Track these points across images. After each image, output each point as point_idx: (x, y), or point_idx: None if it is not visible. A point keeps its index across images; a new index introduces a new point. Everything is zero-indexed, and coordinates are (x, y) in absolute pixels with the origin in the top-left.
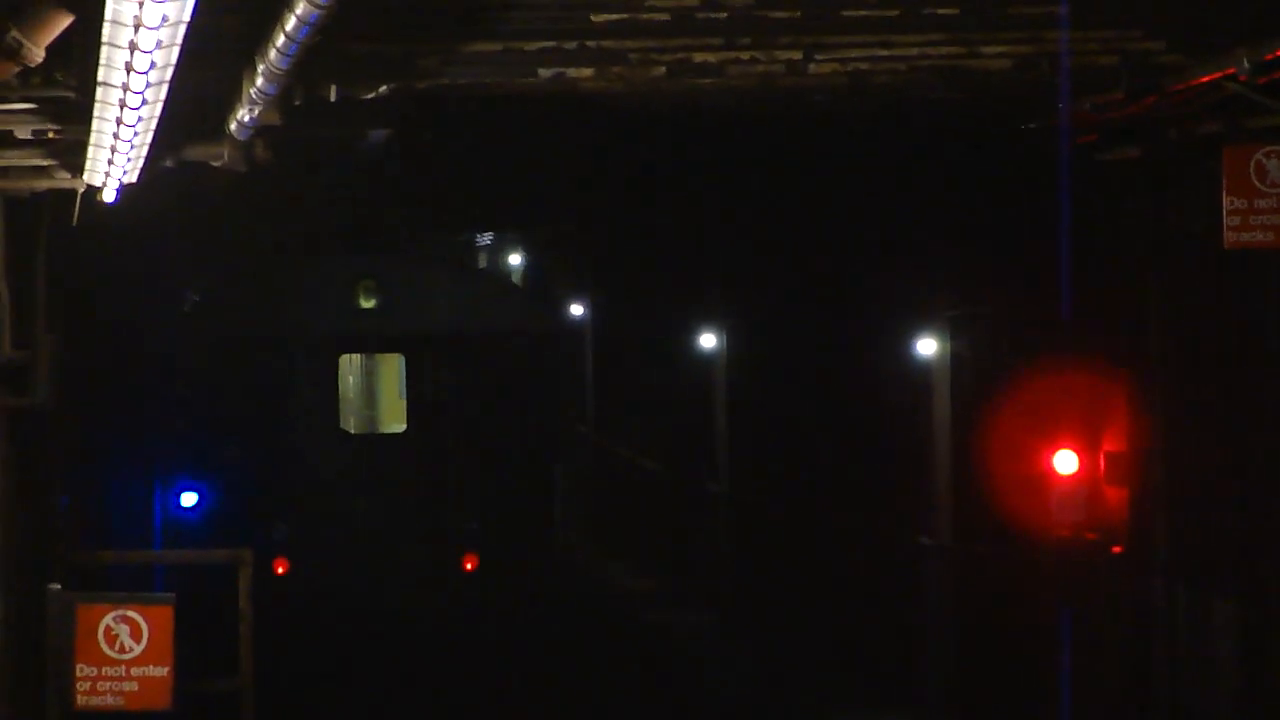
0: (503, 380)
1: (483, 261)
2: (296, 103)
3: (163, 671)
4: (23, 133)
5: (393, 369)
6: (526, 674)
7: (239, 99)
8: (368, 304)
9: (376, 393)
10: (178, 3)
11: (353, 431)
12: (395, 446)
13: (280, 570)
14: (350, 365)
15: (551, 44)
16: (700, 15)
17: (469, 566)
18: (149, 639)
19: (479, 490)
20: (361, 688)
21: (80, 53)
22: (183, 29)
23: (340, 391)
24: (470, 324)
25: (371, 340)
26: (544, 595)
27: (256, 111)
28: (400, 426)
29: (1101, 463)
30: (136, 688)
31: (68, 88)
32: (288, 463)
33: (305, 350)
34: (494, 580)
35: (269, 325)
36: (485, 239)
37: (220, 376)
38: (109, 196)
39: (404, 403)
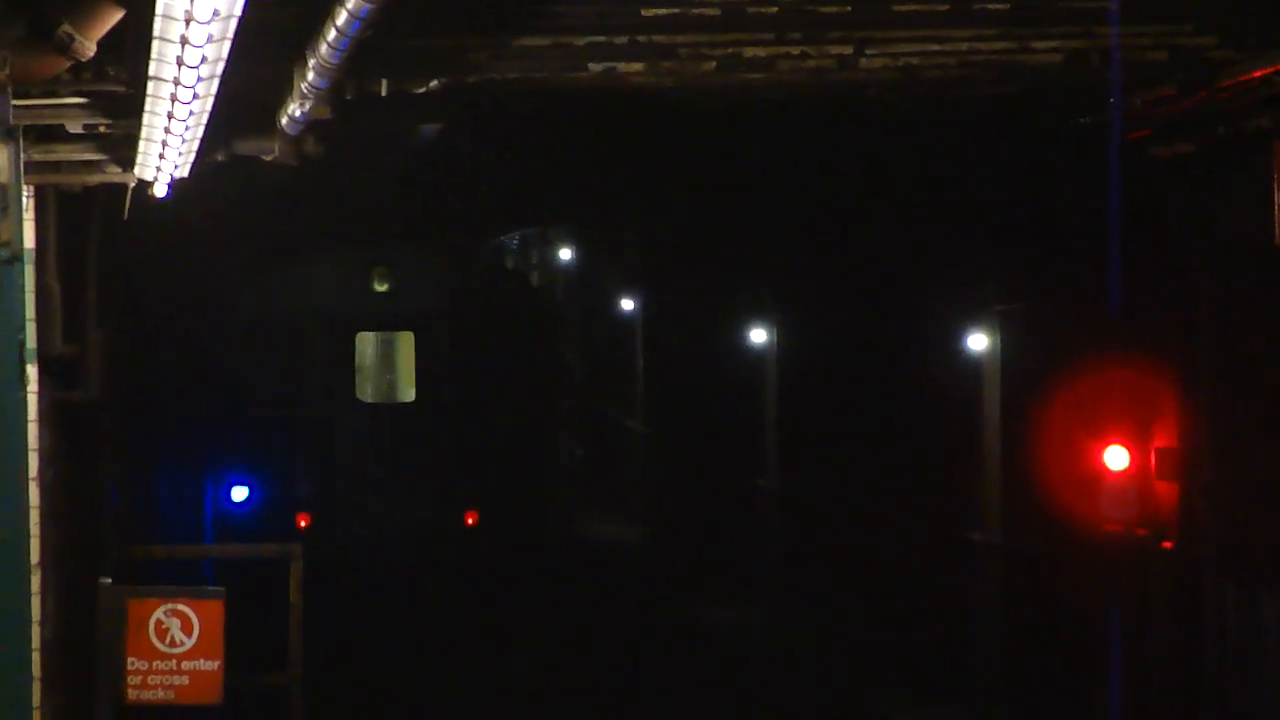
0: (501, 355)
1: (534, 257)
2: (348, 97)
3: (213, 665)
4: (74, 127)
5: (405, 345)
6: (523, 618)
7: (290, 93)
8: (381, 287)
9: (390, 366)
10: None
11: (368, 401)
12: (405, 414)
13: (303, 524)
14: (367, 342)
15: (602, 38)
16: (751, 10)
17: (470, 522)
18: (200, 633)
19: (479, 454)
20: (375, 631)
21: (132, 47)
22: (234, 23)
23: (357, 365)
24: (472, 304)
25: (385, 319)
26: (539, 548)
27: (308, 106)
28: (410, 397)
29: (1152, 458)
30: (187, 682)
31: (119, 82)
32: (311, 428)
33: (327, 328)
34: (493, 535)
35: (296, 306)
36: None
37: (255, 351)
38: (160, 191)
39: (413, 375)
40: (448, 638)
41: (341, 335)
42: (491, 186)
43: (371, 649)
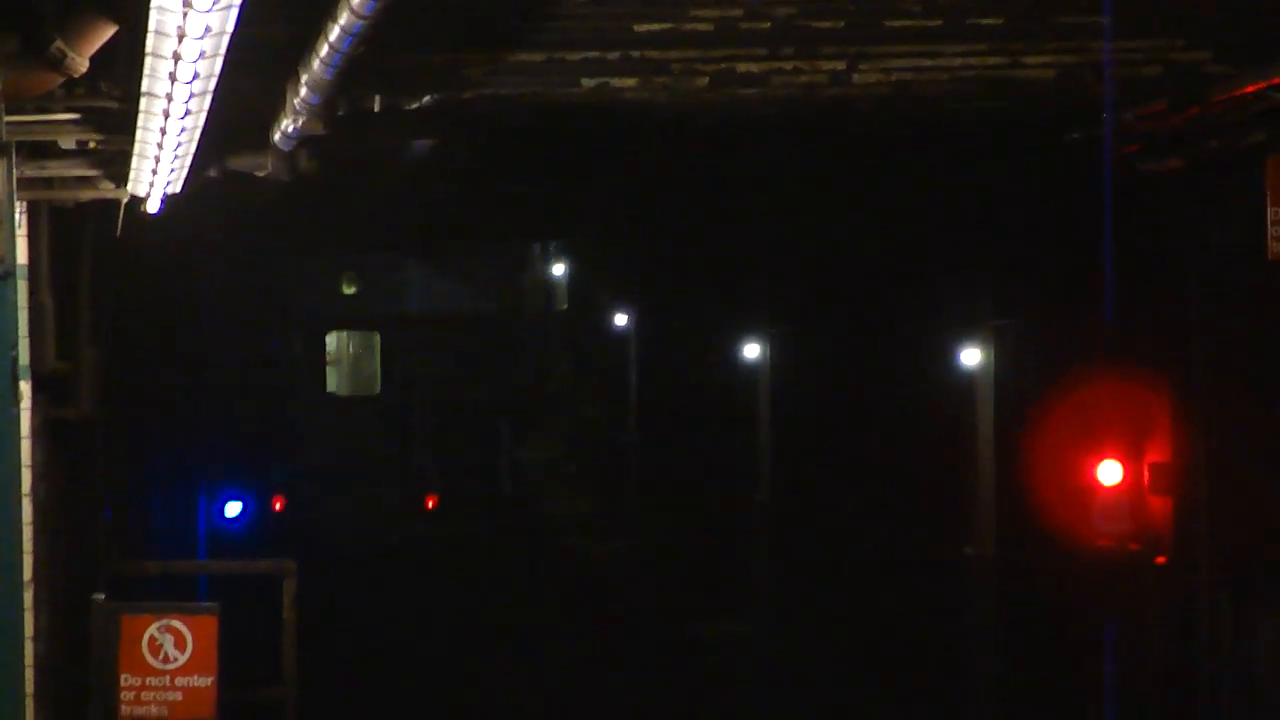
0: (460, 353)
1: (524, 270)
2: (340, 113)
3: (207, 681)
4: (67, 143)
5: (371, 344)
6: (478, 591)
7: (283, 109)
8: (349, 290)
9: (359, 363)
10: (221, 13)
11: (338, 394)
12: (371, 407)
13: (278, 506)
14: (339, 341)
15: (595, 54)
16: (743, 25)
17: (430, 504)
18: (193, 649)
19: (439, 443)
20: (342, 601)
21: (124, 63)
22: (226, 39)
23: (328, 361)
24: (434, 307)
25: (352, 320)
26: (492, 528)
27: (300, 121)
28: (375, 390)
29: (1145, 473)
30: (180, 698)
31: (111, 98)
32: (285, 418)
33: (300, 328)
34: (450, 516)
35: (272, 309)
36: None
37: (237, 349)
38: (152, 207)
39: (379, 371)
40: (414, 618)
41: (312, 334)
42: (480, 201)
43: (338, 628)
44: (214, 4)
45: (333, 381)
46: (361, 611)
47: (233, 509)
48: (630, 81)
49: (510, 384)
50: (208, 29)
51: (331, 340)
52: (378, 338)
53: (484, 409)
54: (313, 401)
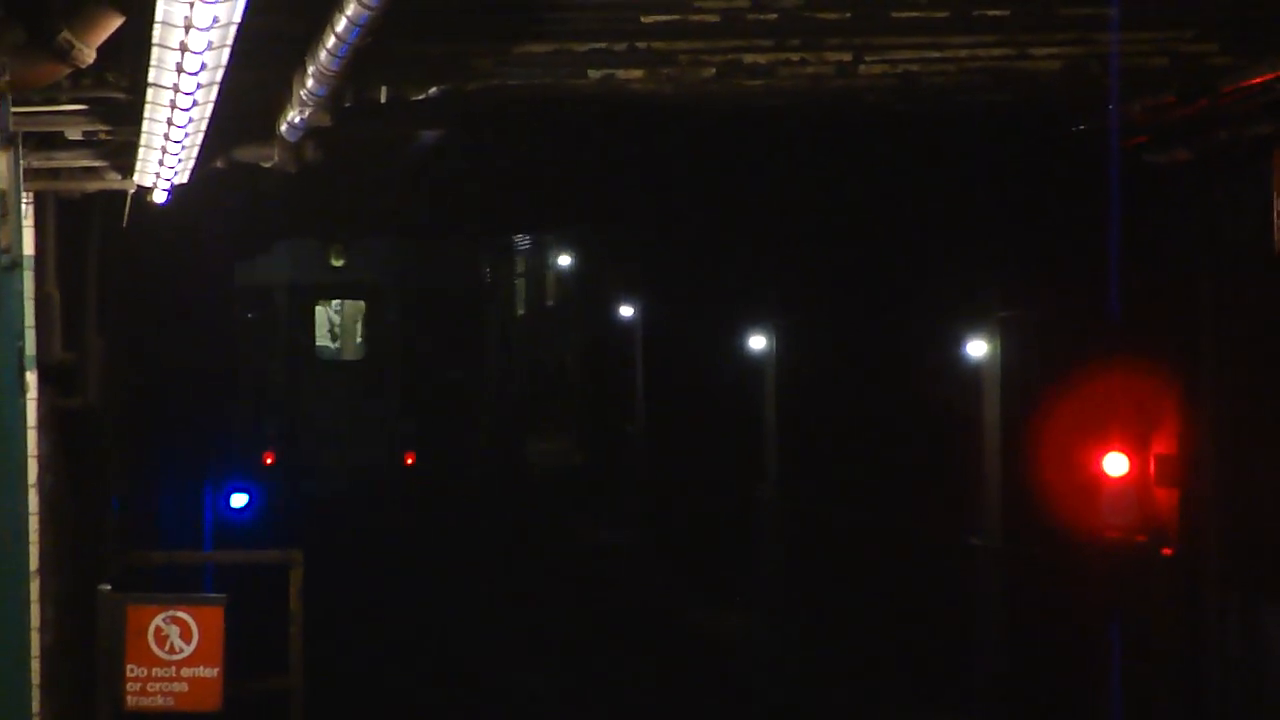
0: (437, 321)
1: (524, 264)
2: (347, 104)
3: (213, 673)
4: (74, 134)
5: (356, 311)
6: (453, 540)
7: (289, 100)
8: (337, 262)
9: (345, 329)
10: (228, 4)
11: (324, 358)
12: (355, 369)
13: (268, 460)
14: (327, 308)
15: (602, 45)
16: (750, 17)
17: (409, 461)
18: (199, 640)
19: (418, 404)
20: (326, 551)
21: (131, 54)
22: (233, 30)
23: (316, 327)
24: (414, 278)
25: (339, 289)
26: (466, 483)
27: (307, 113)
28: (360, 355)
29: (1152, 465)
30: (186, 689)
31: (118, 89)
32: (276, 379)
33: (291, 296)
34: (428, 472)
35: (266, 278)
36: (525, 241)
37: (237, 317)
38: (159, 197)
39: (363, 337)
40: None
41: (303, 303)
42: (482, 191)
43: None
44: None
45: (322, 346)
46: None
47: (238, 500)
48: (637, 73)
49: (473, 343)
50: (215, 20)
51: (320, 308)
52: (364, 306)
53: (458, 370)
54: (302, 362)
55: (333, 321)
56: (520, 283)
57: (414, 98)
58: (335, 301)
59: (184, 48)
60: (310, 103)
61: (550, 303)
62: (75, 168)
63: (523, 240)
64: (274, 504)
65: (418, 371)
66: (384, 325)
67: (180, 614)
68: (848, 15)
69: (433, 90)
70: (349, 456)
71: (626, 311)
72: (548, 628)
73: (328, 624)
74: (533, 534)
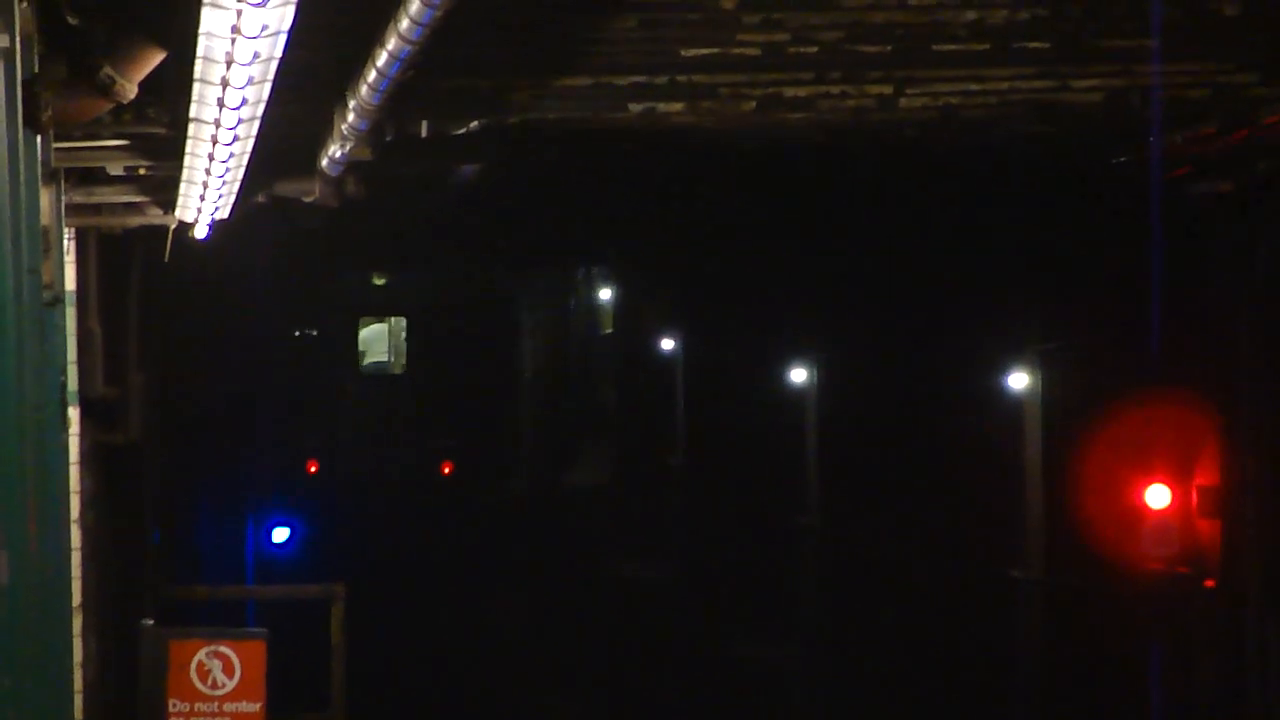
0: (473, 336)
1: (573, 298)
2: (388, 138)
3: (255, 708)
4: (115, 169)
5: (399, 327)
6: (488, 548)
7: (330, 135)
8: (380, 282)
9: (387, 344)
10: (270, 40)
11: (367, 372)
12: (396, 383)
13: (312, 469)
14: (371, 325)
15: (642, 78)
16: (791, 50)
17: (446, 471)
18: (241, 675)
19: (455, 416)
20: (366, 554)
21: (172, 89)
22: (274, 65)
23: (360, 343)
24: (451, 295)
25: (382, 307)
26: (501, 492)
27: (348, 147)
28: (401, 369)
29: (1194, 496)
30: None
31: (160, 124)
32: (321, 393)
33: (338, 314)
34: (464, 481)
35: (315, 299)
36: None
37: (286, 335)
38: (200, 232)
39: (405, 352)
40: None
41: (348, 319)
42: (525, 224)
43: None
44: (262, 30)
45: (366, 361)
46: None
47: (280, 534)
48: (677, 106)
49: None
50: (256, 55)
51: (365, 326)
52: (405, 322)
53: (492, 383)
54: (346, 376)
55: (376, 337)
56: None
57: (454, 132)
58: (379, 319)
59: (225, 83)
60: (351, 137)
61: (608, 331)
62: (117, 203)
63: (571, 271)
64: (316, 509)
65: (455, 387)
66: (424, 342)
67: (223, 649)
68: (888, 48)
69: (473, 124)
70: (388, 465)
71: (668, 344)
72: (588, 657)
73: (363, 637)
74: (569, 563)
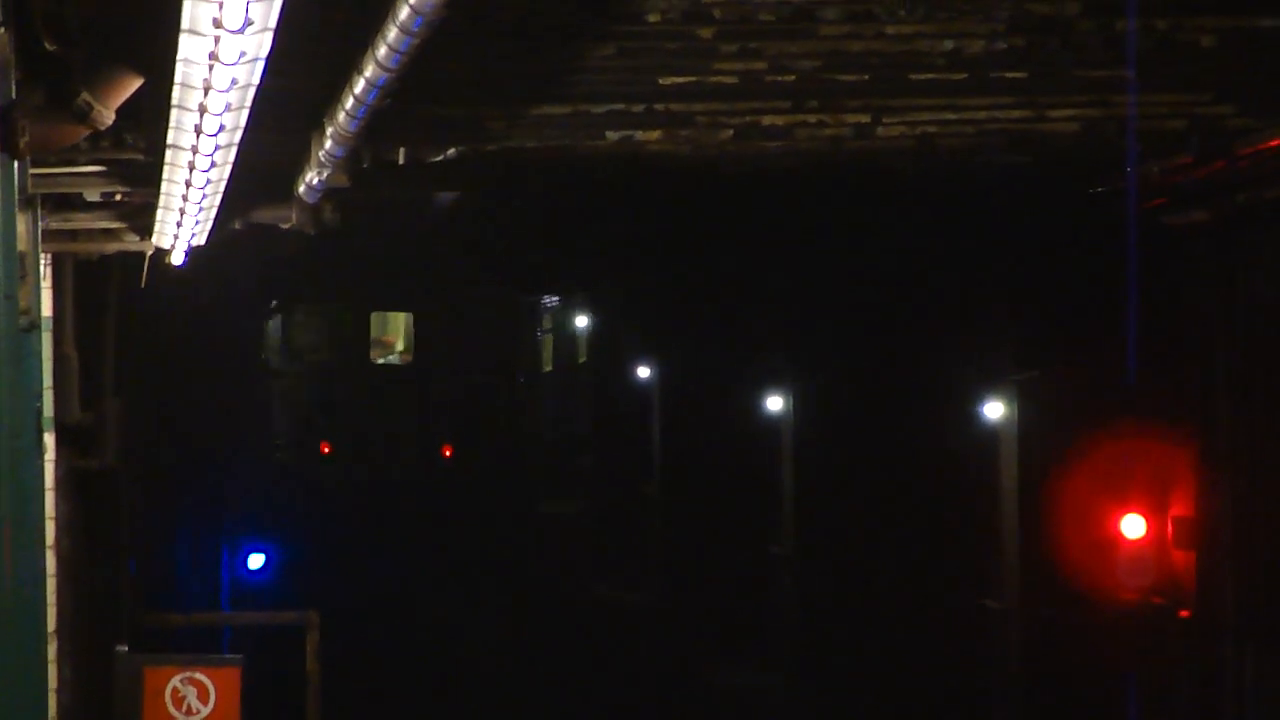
0: (474, 329)
1: (549, 322)
2: (365, 165)
3: None
4: (92, 195)
5: (404, 321)
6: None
7: (307, 161)
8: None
9: (394, 337)
10: (247, 66)
11: (375, 362)
12: (401, 372)
13: (325, 450)
14: (379, 318)
15: (620, 106)
16: (768, 79)
17: (447, 454)
18: (216, 701)
19: (456, 403)
20: (372, 528)
21: (150, 115)
22: (252, 92)
23: (370, 335)
24: (453, 292)
25: (389, 302)
26: (498, 475)
27: (325, 174)
28: (407, 359)
29: (1169, 527)
30: None
31: (137, 150)
32: (332, 379)
33: (347, 308)
34: (463, 463)
35: (326, 292)
36: (551, 300)
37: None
38: (177, 259)
39: (410, 344)
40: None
41: (358, 312)
42: (500, 252)
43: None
44: (240, 57)
45: (374, 352)
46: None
47: (255, 560)
48: (654, 134)
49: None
50: (233, 82)
51: (375, 319)
52: (410, 317)
53: (490, 373)
54: (356, 365)
55: (383, 330)
56: (547, 339)
57: (432, 159)
58: (385, 313)
59: (203, 109)
60: (328, 164)
61: (582, 360)
62: (94, 229)
63: (548, 299)
64: (329, 486)
65: (456, 379)
66: (426, 336)
67: (198, 675)
68: (866, 77)
69: (450, 151)
70: (393, 448)
71: (644, 371)
72: (564, 680)
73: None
74: (548, 593)
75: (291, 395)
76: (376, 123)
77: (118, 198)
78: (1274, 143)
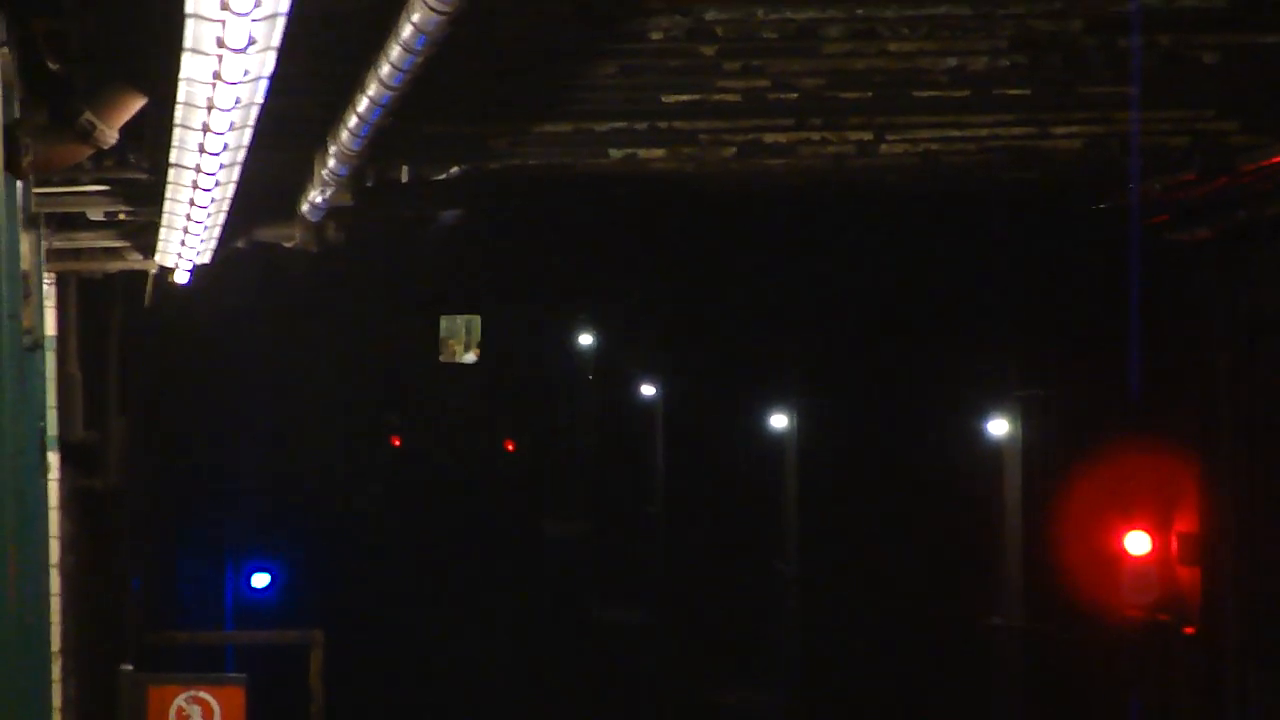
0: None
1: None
2: (368, 183)
3: None
4: (95, 214)
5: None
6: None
7: (311, 180)
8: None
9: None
10: (250, 85)
11: (443, 360)
12: (469, 371)
13: (396, 443)
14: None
15: (623, 124)
16: (771, 96)
17: (510, 448)
18: None
19: (519, 400)
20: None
21: (153, 134)
22: (255, 111)
23: (440, 336)
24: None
25: (457, 303)
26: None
27: (329, 192)
28: (473, 359)
29: (1174, 543)
30: None
31: (140, 169)
32: (404, 379)
33: (416, 310)
34: (525, 457)
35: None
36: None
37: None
38: (181, 278)
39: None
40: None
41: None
42: (506, 269)
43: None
44: (244, 75)
45: (443, 351)
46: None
47: (260, 580)
48: (658, 152)
49: None
50: (237, 100)
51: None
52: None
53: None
54: (426, 365)
55: (453, 331)
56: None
57: (435, 177)
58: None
59: (206, 128)
60: (332, 182)
61: (588, 377)
62: (97, 248)
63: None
64: (399, 479)
65: (519, 376)
66: (490, 336)
67: (202, 694)
68: (869, 94)
69: (454, 170)
70: (460, 441)
71: (648, 390)
72: (569, 699)
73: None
74: (550, 614)
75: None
76: (380, 141)
77: (121, 217)
78: (1276, 159)
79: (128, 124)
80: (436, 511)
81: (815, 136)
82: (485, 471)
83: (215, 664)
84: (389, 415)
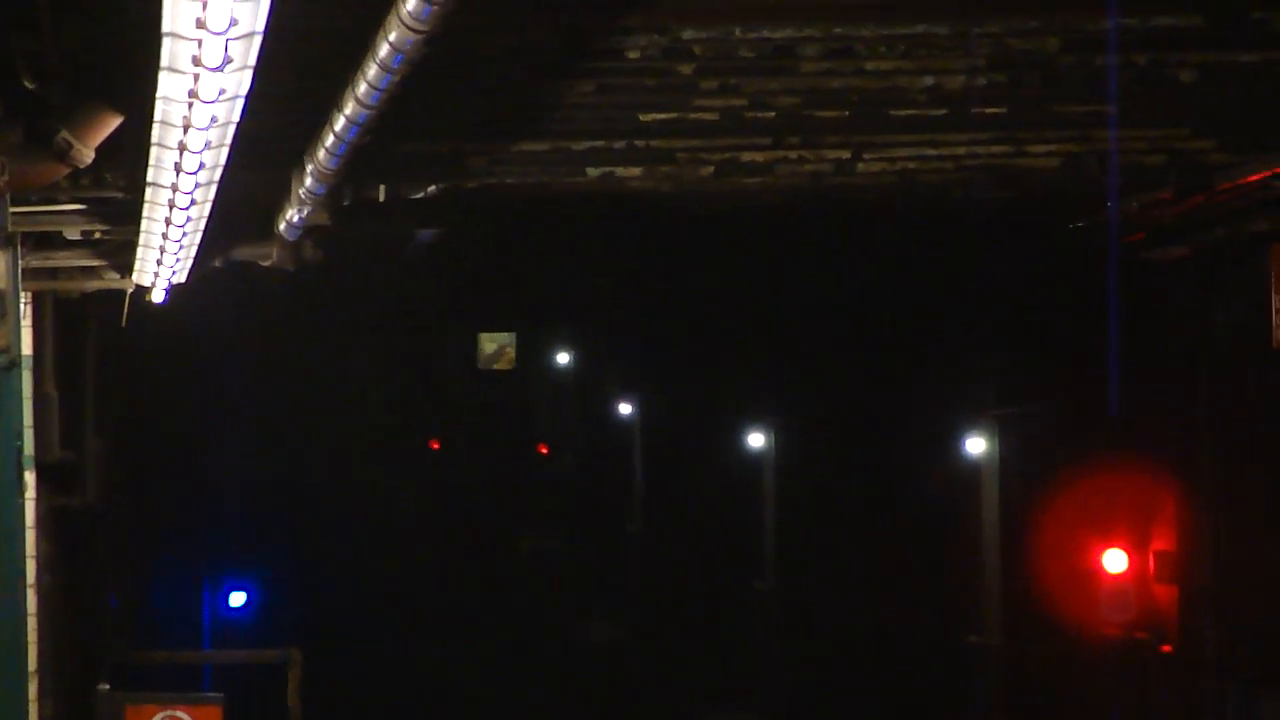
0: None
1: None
2: (345, 203)
3: None
4: (72, 233)
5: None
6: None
7: (288, 199)
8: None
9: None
10: (227, 104)
11: (481, 368)
12: (504, 378)
13: (434, 446)
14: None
15: (600, 143)
16: (748, 115)
17: (543, 451)
18: None
19: (550, 406)
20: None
21: (130, 153)
22: (232, 130)
23: (478, 350)
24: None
25: (492, 321)
26: (584, 473)
27: (305, 211)
28: (509, 367)
29: (1151, 561)
30: None
31: (117, 188)
32: (445, 388)
33: (455, 329)
34: (556, 460)
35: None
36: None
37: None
38: (158, 297)
39: (513, 356)
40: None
41: (468, 334)
42: (482, 288)
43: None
44: (220, 95)
45: (482, 362)
46: None
47: (237, 598)
48: (635, 171)
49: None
50: (213, 119)
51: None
52: (515, 335)
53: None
54: (466, 375)
55: (491, 342)
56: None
57: (412, 196)
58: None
59: (183, 147)
60: (309, 201)
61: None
62: (74, 267)
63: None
64: (436, 478)
65: (552, 380)
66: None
67: (179, 713)
68: (846, 113)
69: (431, 189)
70: (493, 449)
71: (625, 408)
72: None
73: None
74: (529, 632)
75: None
76: (357, 160)
77: (97, 236)
78: (1252, 178)
79: (104, 143)
80: (425, 522)
81: (793, 155)
82: (476, 485)
83: (193, 683)
84: (370, 435)
